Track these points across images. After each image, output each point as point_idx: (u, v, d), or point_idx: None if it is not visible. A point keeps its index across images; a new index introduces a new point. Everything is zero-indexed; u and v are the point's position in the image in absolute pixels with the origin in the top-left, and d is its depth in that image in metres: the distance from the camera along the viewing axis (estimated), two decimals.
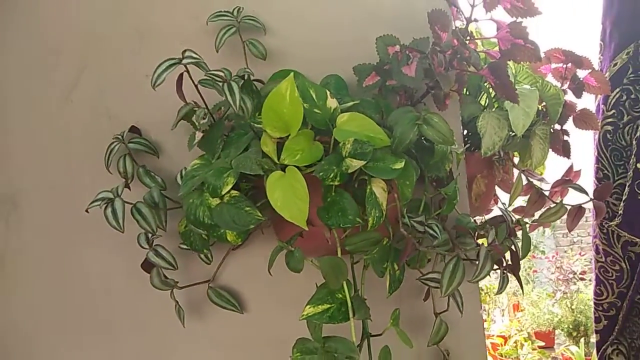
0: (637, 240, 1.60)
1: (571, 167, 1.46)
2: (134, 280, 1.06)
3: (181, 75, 0.83)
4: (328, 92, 0.83)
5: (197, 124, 0.95)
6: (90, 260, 1.12)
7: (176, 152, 1.09)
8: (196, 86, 0.84)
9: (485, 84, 1.10)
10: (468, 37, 0.86)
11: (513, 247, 0.87)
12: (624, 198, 1.59)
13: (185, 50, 0.80)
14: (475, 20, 0.85)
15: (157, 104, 1.09)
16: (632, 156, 1.60)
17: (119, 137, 1.04)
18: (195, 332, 1.07)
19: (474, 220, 0.99)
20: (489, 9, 0.86)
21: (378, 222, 0.77)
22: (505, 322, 5.17)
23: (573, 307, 4.71)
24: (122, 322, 1.09)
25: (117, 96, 1.11)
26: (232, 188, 0.84)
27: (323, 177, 0.77)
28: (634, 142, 1.60)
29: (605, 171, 1.71)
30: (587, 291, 4.72)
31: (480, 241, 0.90)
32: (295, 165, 0.78)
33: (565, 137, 1.31)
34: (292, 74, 0.76)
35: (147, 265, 0.99)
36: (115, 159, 1.04)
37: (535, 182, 1.31)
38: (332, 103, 0.83)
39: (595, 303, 1.80)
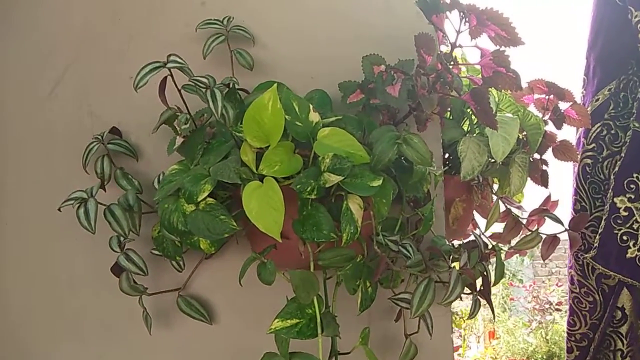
0: (611, 273, 1.61)
1: (549, 197, 1.48)
2: (102, 283, 1.05)
3: (165, 79, 0.82)
4: (311, 106, 0.83)
5: (178, 129, 0.94)
6: (61, 259, 1.10)
7: (155, 156, 1.08)
8: (179, 91, 0.84)
9: (468, 110, 1.11)
10: (452, 62, 0.87)
11: (485, 272, 0.87)
12: (599, 231, 1.61)
13: (170, 55, 0.80)
14: (460, 46, 0.87)
15: (139, 106, 1.08)
16: (610, 190, 1.62)
17: (99, 137, 1.03)
18: (162, 340, 1.05)
19: (450, 243, 1.00)
20: (474, 36, 0.87)
21: (352, 239, 0.77)
22: (480, 349, 5.17)
23: (548, 337, 4.73)
24: (88, 325, 1.07)
25: (101, 96, 1.11)
26: (209, 196, 0.83)
27: (300, 190, 0.77)
28: (612, 177, 1.63)
29: (583, 203, 1.73)
30: (562, 322, 4.74)
31: (453, 265, 0.90)
32: (273, 177, 0.78)
33: (544, 167, 1.33)
34: (275, 84, 0.77)
35: (117, 269, 0.97)
36: (93, 159, 1.03)
37: (513, 210, 1.33)
38: (314, 117, 0.83)
39: (568, 333, 1.81)
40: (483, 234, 1.04)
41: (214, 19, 1.02)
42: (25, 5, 1.15)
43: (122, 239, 0.96)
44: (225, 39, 1.01)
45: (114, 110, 1.10)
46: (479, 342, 5.53)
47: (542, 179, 1.34)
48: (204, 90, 0.78)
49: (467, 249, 0.88)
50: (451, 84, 0.83)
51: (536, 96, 1.31)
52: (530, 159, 1.26)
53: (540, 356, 4.65)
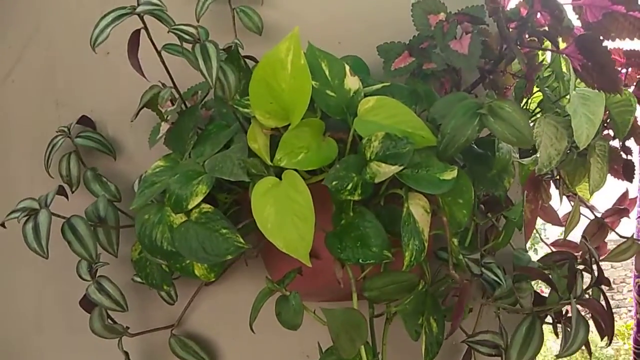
0: None
1: (626, 194, 1.21)
2: (72, 318, 0.80)
3: (137, 33, 0.57)
4: (347, 67, 0.58)
5: (163, 112, 0.69)
6: (22, 286, 0.86)
7: (139, 153, 0.84)
8: (159, 53, 0.59)
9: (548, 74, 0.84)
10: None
11: (603, 300, 0.61)
12: None
13: None
14: None
15: (118, 89, 0.84)
16: None
17: (65, 129, 0.79)
18: None
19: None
20: None
21: (418, 259, 0.51)
22: None
23: None
24: None
25: (69, 77, 0.86)
26: (205, 201, 0.58)
27: (337, 189, 0.51)
28: None
29: None
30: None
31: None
32: (295, 170, 0.52)
33: (627, 156, 1.07)
34: (296, 28, 0.51)
35: (87, 303, 0.72)
36: (57, 158, 0.78)
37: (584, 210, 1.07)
38: (352, 83, 0.58)
39: (635, 353, 1.54)
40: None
41: None
42: None
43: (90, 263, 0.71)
44: None
45: (85, 96, 0.86)
46: None
47: (626, 172, 1.07)
48: (191, 45, 0.53)
49: (572, 268, 0.62)
50: (553, 32, 0.57)
51: None
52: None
53: None
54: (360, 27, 0.81)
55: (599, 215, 1.06)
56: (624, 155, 1.06)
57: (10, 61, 0.89)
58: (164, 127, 0.70)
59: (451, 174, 0.52)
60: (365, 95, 0.58)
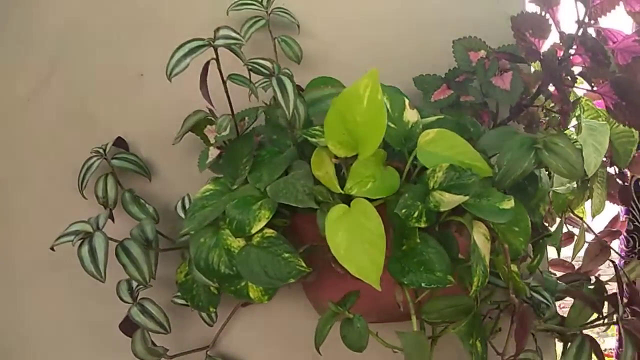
0: None
1: (617, 216, 1.29)
2: (101, 344, 0.79)
3: (206, 65, 0.59)
4: (407, 101, 0.61)
5: (213, 137, 0.71)
6: (45, 312, 0.84)
7: (172, 174, 0.85)
8: (224, 82, 0.61)
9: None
10: (574, 46, 0.67)
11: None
12: None
13: (219, 28, 0.56)
14: (590, 25, 0.66)
15: (150, 111, 0.85)
16: None
17: (101, 150, 0.79)
18: None
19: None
20: (602, 13, 0.67)
21: (483, 284, 0.54)
22: None
23: None
24: None
25: (99, 98, 0.86)
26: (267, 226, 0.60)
27: (406, 216, 0.55)
28: None
29: (637, 223, 1.55)
30: None
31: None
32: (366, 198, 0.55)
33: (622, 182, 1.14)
34: (374, 69, 0.54)
35: (129, 326, 0.72)
36: (93, 180, 0.78)
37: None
38: (411, 116, 0.61)
39: None
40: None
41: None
42: None
43: (134, 285, 0.71)
44: (267, 23, 0.79)
45: (116, 117, 0.86)
46: None
47: (622, 197, 1.14)
48: (267, 78, 0.55)
49: (602, 288, 0.66)
50: (591, 74, 0.63)
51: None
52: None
53: None
54: (392, 60, 0.85)
55: (590, 236, 1.12)
56: (619, 182, 1.14)
57: (35, 80, 0.88)
58: (213, 151, 0.71)
59: (509, 204, 0.56)
60: (424, 127, 0.62)
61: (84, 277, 0.76)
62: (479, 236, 0.56)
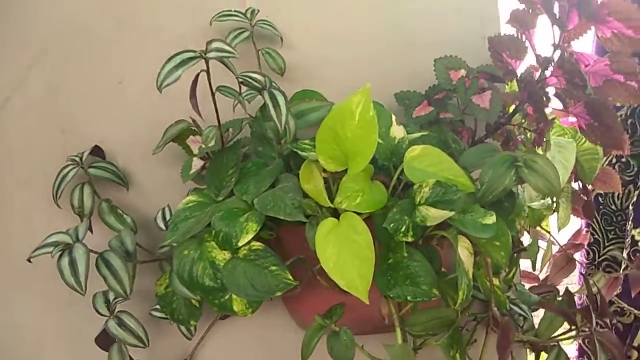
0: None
1: (580, 230, 1.35)
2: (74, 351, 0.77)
3: (197, 76, 0.59)
4: (393, 118, 0.63)
5: (197, 147, 0.71)
6: (17, 328, 0.81)
7: (150, 185, 0.83)
8: (213, 94, 0.60)
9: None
10: (551, 67, 0.70)
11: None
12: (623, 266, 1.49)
13: (211, 41, 0.56)
14: (563, 48, 0.70)
15: (128, 118, 0.84)
16: (630, 222, 1.51)
17: (77, 158, 0.77)
18: None
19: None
20: (575, 37, 0.71)
21: (468, 297, 0.56)
22: None
23: None
24: None
25: (77, 105, 0.84)
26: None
27: (394, 230, 0.56)
28: (630, 207, 1.53)
29: (596, 236, 1.62)
30: None
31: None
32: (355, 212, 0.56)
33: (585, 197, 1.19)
34: (368, 85, 0.55)
35: (105, 340, 0.70)
36: (69, 189, 0.76)
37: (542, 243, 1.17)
38: (397, 132, 0.63)
39: None
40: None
41: (235, 10, 0.80)
42: None
43: (111, 297, 0.70)
44: (251, 35, 0.79)
45: (94, 124, 0.84)
46: None
47: (586, 211, 1.19)
48: (255, 91, 0.55)
49: (572, 300, 0.69)
50: (566, 95, 0.66)
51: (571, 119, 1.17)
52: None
53: None
54: (374, 74, 0.86)
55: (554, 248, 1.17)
56: (583, 197, 1.19)
57: (11, 84, 0.85)
58: (197, 162, 0.70)
59: (491, 219, 0.58)
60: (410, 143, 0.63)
61: (61, 288, 0.75)
62: (463, 250, 0.57)
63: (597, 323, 0.61)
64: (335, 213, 0.59)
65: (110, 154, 0.83)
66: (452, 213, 0.56)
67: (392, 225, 0.56)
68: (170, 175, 0.81)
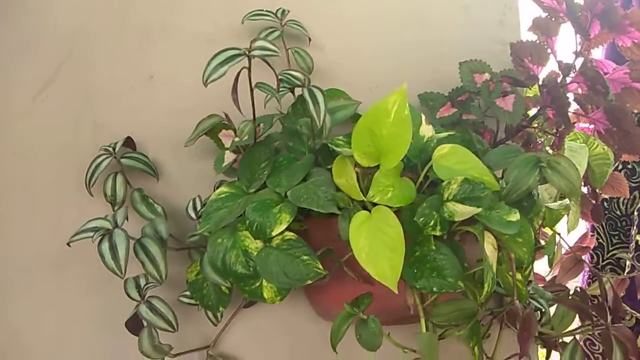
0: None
1: (587, 233, 1.37)
2: (105, 339, 0.80)
3: (238, 74, 0.61)
4: (423, 117, 0.66)
5: (229, 141, 0.73)
6: (48, 314, 0.83)
7: (178, 176, 0.86)
8: (252, 90, 0.63)
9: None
10: (572, 73, 0.73)
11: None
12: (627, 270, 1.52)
13: (256, 39, 0.59)
14: (583, 55, 0.73)
15: (158, 112, 0.86)
16: (634, 227, 1.54)
17: (110, 149, 0.80)
18: None
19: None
20: (595, 45, 0.74)
21: (492, 289, 0.59)
22: None
23: None
24: None
25: (107, 100, 0.87)
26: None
27: (424, 224, 0.58)
28: (635, 213, 1.56)
29: (601, 240, 1.65)
30: None
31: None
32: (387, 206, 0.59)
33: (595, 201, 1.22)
34: (404, 86, 0.58)
35: (135, 324, 0.73)
36: (102, 178, 0.79)
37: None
38: (426, 131, 0.66)
39: None
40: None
41: (266, 10, 0.82)
42: None
43: (142, 282, 0.72)
44: (281, 34, 0.82)
45: (124, 118, 0.86)
46: None
47: (594, 215, 1.22)
48: (298, 88, 0.58)
49: (586, 297, 0.72)
50: (587, 100, 0.69)
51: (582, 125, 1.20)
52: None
53: None
54: (395, 74, 0.88)
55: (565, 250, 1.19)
56: (592, 201, 1.22)
57: (43, 79, 0.88)
58: (229, 155, 0.73)
59: (515, 216, 0.60)
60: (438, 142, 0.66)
61: (85, 275, 0.78)
62: (488, 246, 0.60)
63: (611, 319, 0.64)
64: (366, 207, 0.62)
65: (140, 147, 0.85)
66: (480, 209, 0.58)
67: (421, 219, 0.58)
68: (198, 167, 0.84)
